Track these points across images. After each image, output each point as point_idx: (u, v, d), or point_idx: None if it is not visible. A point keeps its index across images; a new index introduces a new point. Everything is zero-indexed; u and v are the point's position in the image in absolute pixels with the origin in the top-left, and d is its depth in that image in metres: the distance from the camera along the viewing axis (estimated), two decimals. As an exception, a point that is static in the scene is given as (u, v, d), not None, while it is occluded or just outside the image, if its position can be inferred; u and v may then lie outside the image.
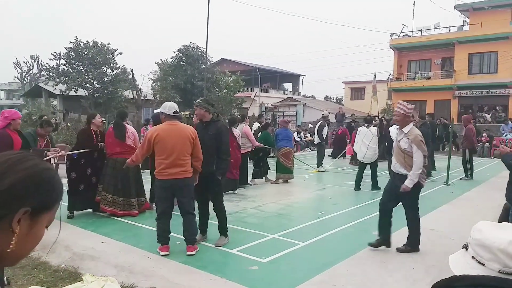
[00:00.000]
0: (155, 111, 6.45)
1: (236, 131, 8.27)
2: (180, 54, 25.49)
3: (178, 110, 4.63)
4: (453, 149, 13.63)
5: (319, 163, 11.87)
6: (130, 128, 6.38)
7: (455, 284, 1.14)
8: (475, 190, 8.81)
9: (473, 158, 10.71)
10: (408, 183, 4.44)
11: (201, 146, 4.58)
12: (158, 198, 4.61)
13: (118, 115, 6.62)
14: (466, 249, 1.22)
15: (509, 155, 4.37)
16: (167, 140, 4.39)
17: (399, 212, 4.92)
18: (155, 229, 4.63)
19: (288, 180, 9.54)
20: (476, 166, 11.16)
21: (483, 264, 1.14)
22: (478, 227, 1.20)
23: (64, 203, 6.10)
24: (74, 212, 6.14)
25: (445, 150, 12.95)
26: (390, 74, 30.00)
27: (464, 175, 10.41)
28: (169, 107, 4.58)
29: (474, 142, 10.49)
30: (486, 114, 24.75)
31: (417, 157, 4.40)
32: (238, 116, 9.65)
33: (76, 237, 5.04)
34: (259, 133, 10.10)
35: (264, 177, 9.70)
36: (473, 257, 1.17)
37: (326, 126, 11.97)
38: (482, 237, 1.15)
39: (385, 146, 13.80)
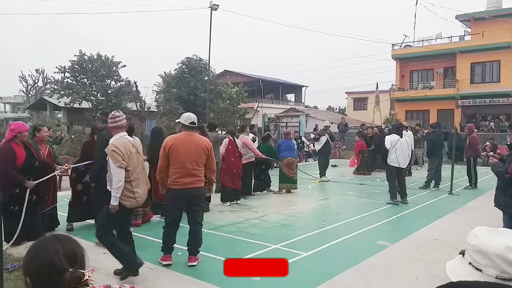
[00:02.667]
0: (177, 120, 6.40)
1: (238, 141, 8.33)
2: (183, 66, 25.67)
3: (195, 122, 4.64)
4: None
5: (322, 173, 11.84)
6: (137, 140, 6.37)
7: (452, 291, 1.13)
8: (480, 199, 8.74)
9: (477, 167, 10.66)
10: (112, 201, 3.90)
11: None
12: (170, 207, 4.60)
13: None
14: (463, 255, 1.21)
15: (498, 164, 4.56)
16: (181, 150, 4.43)
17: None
18: (157, 239, 4.63)
19: (291, 190, 9.51)
20: (481, 175, 11.09)
21: (480, 270, 1.13)
22: (474, 232, 1.19)
23: (63, 213, 6.10)
24: (75, 223, 6.13)
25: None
26: (392, 84, 30.09)
27: (468, 184, 10.35)
28: (186, 117, 4.60)
29: (479, 151, 10.45)
30: (491, 123, 24.69)
31: (111, 169, 3.88)
32: (238, 127, 9.66)
33: (78, 249, 5.03)
34: (259, 145, 10.07)
35: (266, 189, 9.66)
36: (470, 263, 1.16)
37: (325, 135, 11.87)
38: (478, 242, 1.15)
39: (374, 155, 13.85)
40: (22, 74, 49.87)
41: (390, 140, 8.19)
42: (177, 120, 5.21)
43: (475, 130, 11.37)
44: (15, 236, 4.99)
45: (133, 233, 5.79)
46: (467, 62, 26.30)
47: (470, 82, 26.48)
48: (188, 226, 4.60)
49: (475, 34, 26.42)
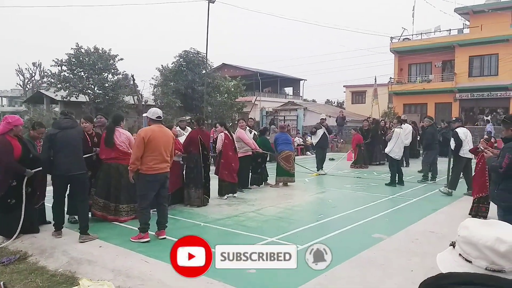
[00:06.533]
0: (144, 115, 7.04)
1: (234, 135, 8.34)
2: (181, 60, 25.56)
3: (161, 116, 5.28)
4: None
5: (319, 166, 11.84)
6: (124, 133, 6.10)
7: (442, 282, 1.12)
8: (476, 192, 8.75)
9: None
10: None
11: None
12: (147, 190, 5.03)
13: (112, 119, 6.26)
14: (454, 247, 1.21)
15: (492, 158, 4.61)
16: (158, 139, 5.02)
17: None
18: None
19: (288, 184, 9.51)
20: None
21: (470, 262, 1.12)
22: (465, 224, 1.19)
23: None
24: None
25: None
26: (390, 78, 30.02)
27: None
28: (153, 112, 5.20)
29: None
30: (486, 117, 24.70)
31: None
32: (236, 122, 9.64)
33: (73, 242, 5.03)
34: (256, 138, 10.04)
35: (263, 183, 9.66)
36: (460, 254, 1.16)
37: (322, 129, 11.84)
38: (468, 234, 1.14)
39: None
40: (19, 68, 49.61)
41: (463, 132, 8.07)
42: (144, 115, 5.82)
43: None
44: (17, 231, 5.04)
45: (128, 226, 5.82)
46: (465, 55, 26.26)
47: (468, 76, 26.47)
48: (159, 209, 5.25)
49: (473, 27, 26.35)
